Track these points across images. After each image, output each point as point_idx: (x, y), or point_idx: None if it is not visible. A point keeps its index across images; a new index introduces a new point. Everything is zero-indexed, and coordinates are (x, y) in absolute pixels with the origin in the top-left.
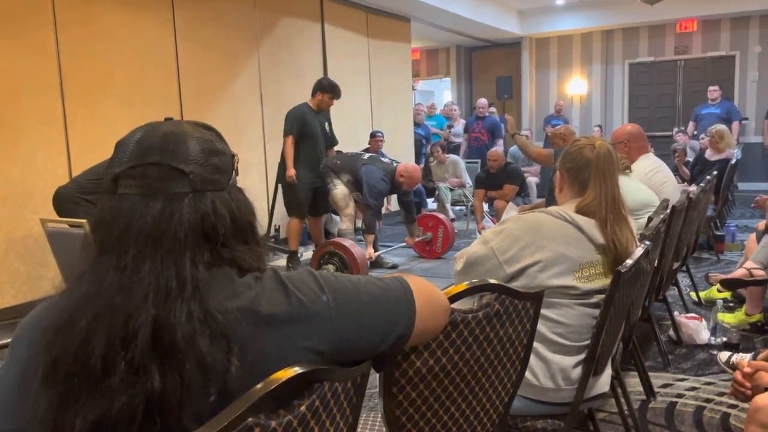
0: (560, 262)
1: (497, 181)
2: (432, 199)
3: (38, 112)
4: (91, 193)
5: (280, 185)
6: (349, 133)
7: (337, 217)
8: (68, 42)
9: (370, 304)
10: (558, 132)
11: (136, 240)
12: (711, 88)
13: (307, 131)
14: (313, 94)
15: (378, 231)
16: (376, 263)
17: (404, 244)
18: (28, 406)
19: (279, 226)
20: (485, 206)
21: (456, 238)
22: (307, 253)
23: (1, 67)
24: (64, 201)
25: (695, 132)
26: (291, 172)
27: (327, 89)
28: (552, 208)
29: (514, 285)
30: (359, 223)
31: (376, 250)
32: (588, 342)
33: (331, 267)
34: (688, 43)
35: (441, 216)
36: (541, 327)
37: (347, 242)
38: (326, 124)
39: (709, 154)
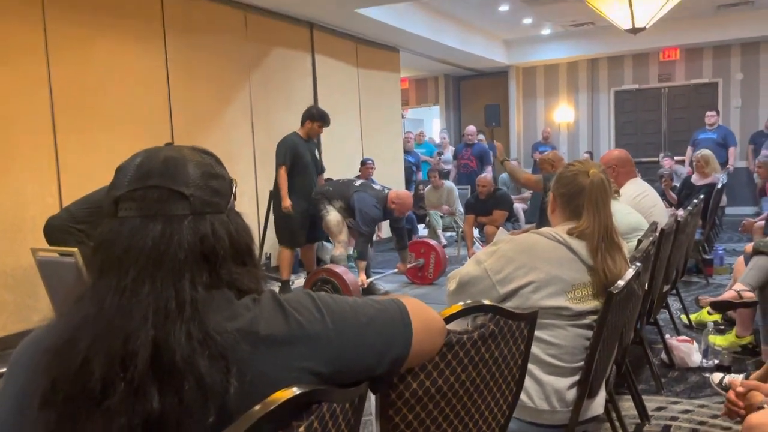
0: (553, 283)
1: (487, 207)
2: (423, 225)
3: (29, 141)
4: (82, 223)
5: (273, 214)
6: (340, 161)
7: (328, 245)
8: (60, 71)
9: (367, 325)
10: (546, 158)
11: (136, 262)
12: (709, 113)
13: (299, 161)
14: (303, 122)
15: (370, 258)
16: (369, 290)
17: (396, 270)
18: (27, 428)
19: (270, 254)
20: (475, 232)
21: (447, 264)
22: (298, 281)
23: None
24: (56, 230)
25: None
26: (287, 202)
27: (316, 118)
28: (544, 230)
29: (507, 306)
30: (351, 250)
31: (368, 276)
32: (582, 363)
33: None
34: (671, 71)
35: (432, 242)
36: (535, 348)
37: (340, 269)
38: (315, 151)
39: (696, 179)
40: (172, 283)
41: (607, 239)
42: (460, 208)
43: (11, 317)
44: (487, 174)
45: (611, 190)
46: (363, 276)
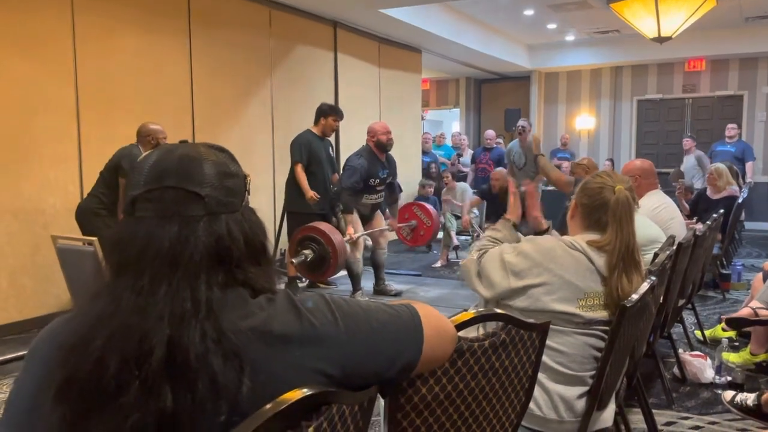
0: (565, 288)
1: (497, 205)
2: None
3: (53, 130)
4: (104, 200)
5: (287, 211)
6: None
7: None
8: (86, 62)
9: (379, 329)
10: (581, 163)
11: (152, 262)
12: (729, 125)
13: (314, 158)
14: (317, 121)
15: (383, 261)
16: (380, 291)
17: (388, 225)
18: (42, 421)
19: (284, 250)
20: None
21: (439, 226)
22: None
23: (20, 85)
24: (86, 213)
25: None
26: (310, 193)
27: (328, 112)
28: (565, 238)
29: (517, 305)
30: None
31: (381, 279)
32: (589, 372)
33: (308, 252)
34: (696, 82)
35: (423, 203)
36: (543, 356)
37: (326, 227)
38: (330, 149)
39: (710, 193)
40: (188, 284)
41: (627, 257)
42: (475, 211)
43: (28, 302)
44: (502, 169)
45: (634, 207)
46: (350, 229)
